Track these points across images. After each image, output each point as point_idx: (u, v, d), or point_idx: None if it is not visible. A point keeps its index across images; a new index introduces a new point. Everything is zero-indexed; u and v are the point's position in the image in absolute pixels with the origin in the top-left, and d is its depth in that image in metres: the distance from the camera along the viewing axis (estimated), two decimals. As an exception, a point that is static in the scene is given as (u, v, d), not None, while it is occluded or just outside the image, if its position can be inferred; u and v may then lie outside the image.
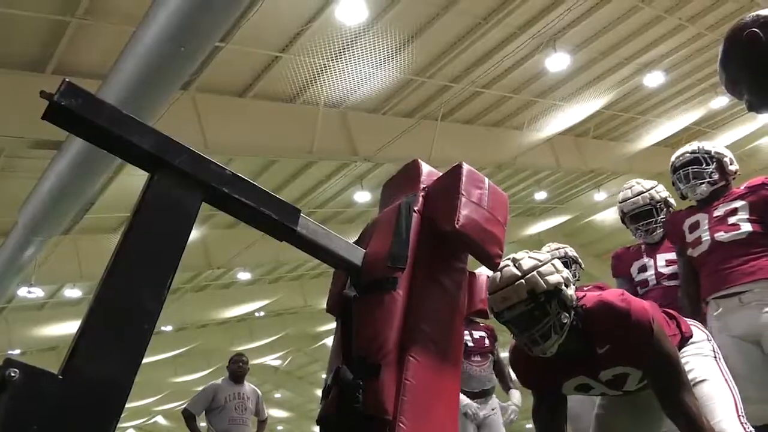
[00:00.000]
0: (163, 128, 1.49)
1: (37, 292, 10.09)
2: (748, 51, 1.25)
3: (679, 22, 8.33)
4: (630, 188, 3.20)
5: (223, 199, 0.91)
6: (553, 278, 1.75)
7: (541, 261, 1.78)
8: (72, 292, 11.68)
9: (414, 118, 8.80)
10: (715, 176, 2.71)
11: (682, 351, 1.95)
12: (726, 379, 1.92)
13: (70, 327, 12.31)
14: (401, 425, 0.97)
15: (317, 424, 1.10)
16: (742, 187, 2.67)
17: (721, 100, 10.79)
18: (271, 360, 19.15)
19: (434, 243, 1.18)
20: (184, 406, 5.52)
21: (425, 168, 1.33)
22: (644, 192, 3.10)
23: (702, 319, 2.71)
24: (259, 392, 5.68)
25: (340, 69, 7.48)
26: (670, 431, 2.70)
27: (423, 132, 8.54)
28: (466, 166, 1.27)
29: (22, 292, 9.68)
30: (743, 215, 2.56)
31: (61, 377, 0.62)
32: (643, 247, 3.14)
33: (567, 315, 1.75)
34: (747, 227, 2.54)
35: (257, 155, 8.43)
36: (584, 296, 1.85)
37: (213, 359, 16.51)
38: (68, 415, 0.64)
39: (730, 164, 2.76)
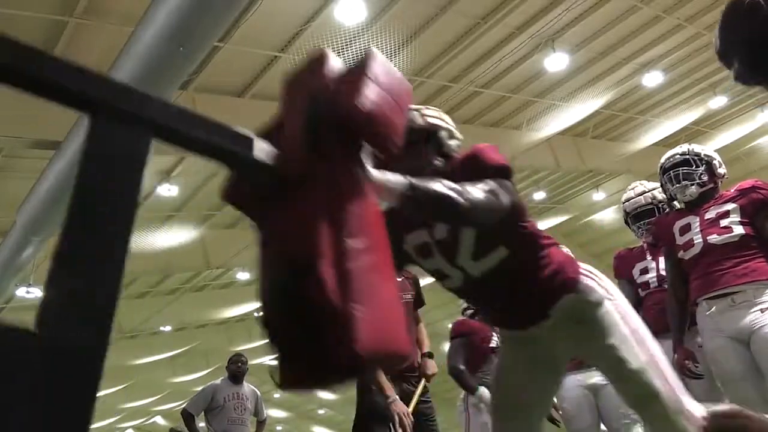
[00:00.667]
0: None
1: (36, 293, 10.08)
2: (748, 20, 1.25)
3: (678, 21, 8.34)
4: (633, 189, 3.27)
5: (172, 135, 0.89)
6: (433, 120, 1.69)
7: (434, 109, 1.74)
8: (71, 293, 11.68)
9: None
10: (705, 178, 2.73)
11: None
12: (638, 344, 1.66)
13: (68, 327, 12.31)
14: (353, 311, 0.95)
15: (264, 328, 1.03)
16: (733, 190, 2.68)
17: (720, 100, 10.80)
18: (270, 360, 19.13)
19: (343, 132, 1.15)
20: (183, 406, 5.52)
21: (333, 57, 1.29)
22: (646, 192, 3.17)
23: (690, 322, 2.72)
24: (259, 392, 5.68)
25: (339, 69, 7.48)
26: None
27: (422, 132, 8.55)
28: (376, 51, 1.24)
29: (21, 292, 9.67)
30: (735, 218, 2.57)
31: (34, 332, 0.62)
32: (645, 246, 3.15)
33: (441, 160, 1.66)
34: (739, 230, 2.55)
35: (256, 155, 8.42)
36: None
37: (212, 359, 16.51)
38: (45, 373, 0.64)
39: (719, 167, 2.79)
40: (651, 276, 3.06)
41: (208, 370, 16.62)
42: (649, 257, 3.11)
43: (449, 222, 1.60)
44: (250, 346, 15.35)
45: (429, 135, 1.67)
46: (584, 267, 1.75)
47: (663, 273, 3.00)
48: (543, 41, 7.99)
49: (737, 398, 2.44)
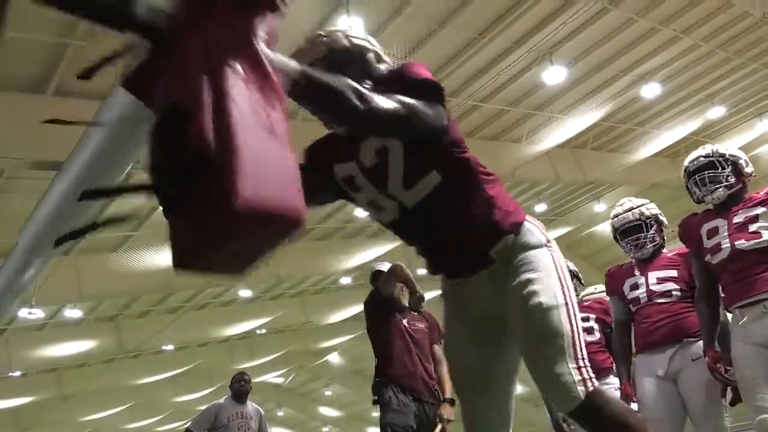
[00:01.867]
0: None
1: (38, 313, 10.07)
2: None
3: (674, 33, 8.39)
4: (621, 205, 3.27)
5: None
6: (359, 42, 1.62)
7: (347, 29, 1.67)
8: (72, 312, 11.65)
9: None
10: (732, 179, 2.68)
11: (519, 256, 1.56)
12: (563, 287, 1.55)
13: (70, 348, 12.27)
14: (230, 160, 0.87)
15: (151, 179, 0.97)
16: (762, 193, 2.63)
17: (719, 110, 10.84)
18: (273, 378, 19.04)
19: None
20: (186, 425, 5.48)
21: None
22: (634, 208, 3.16)
23: (719, 327, 2.68)
24: (262, 411, 5.64)
25: (339, 85, 7.53)
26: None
27: (422, 146, 8.57)
28: None
29: (23, 313, 9.66)
30: (764, 222, 2.54)
31: None
32: (633, 262, 3.14)
33: (368, 83, 1.51)
34: None
35: (257, 172, 8.45)
36: None
37: (215, 378, 16.41)
38: None
39: (746, 166, 2.74)
40: (641, 292, 3.03)
41: (211, 389, 16.52)
42: (637, 273, 3.08)
43: (343, 123, 1.51)
44: (252, 363, 15.27)
45: (354, 57, 1.58)
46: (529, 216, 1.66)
47: (653, 288, 2.99)
48: (541, 55, 8.04)
49: (755, 406, 2.42)
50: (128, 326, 12.95)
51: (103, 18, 0.99)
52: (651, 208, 3.16)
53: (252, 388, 5.58)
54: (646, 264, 3.07)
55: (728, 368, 2.56)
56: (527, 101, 9.24)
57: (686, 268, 2.97)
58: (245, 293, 13.17)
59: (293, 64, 1.29)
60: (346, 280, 13.65)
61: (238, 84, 0.98)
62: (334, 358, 18.93)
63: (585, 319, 3.62)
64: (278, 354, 16.12)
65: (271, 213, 0.92)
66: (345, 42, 1.58)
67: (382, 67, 1.62)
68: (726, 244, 2.60)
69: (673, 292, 2.94)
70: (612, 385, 3.35)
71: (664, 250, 3.14)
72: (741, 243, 2.55)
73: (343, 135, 1.60)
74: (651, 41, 8.53)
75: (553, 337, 1.46)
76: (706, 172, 2.71)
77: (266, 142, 0.98)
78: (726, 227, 2.63)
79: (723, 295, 2.66)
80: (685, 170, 2.82)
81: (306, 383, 21.46)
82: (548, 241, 1.60)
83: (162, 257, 10.30)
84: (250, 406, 5.49)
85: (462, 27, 7.27)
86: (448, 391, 3.46)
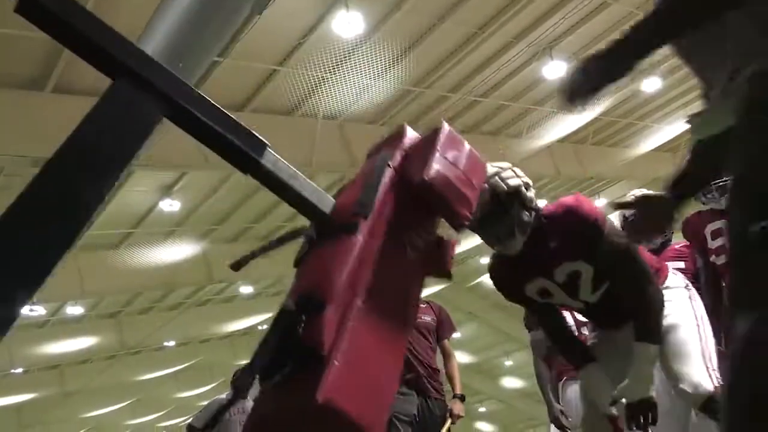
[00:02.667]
0: (163, 143, 1.50)
1: (39, 310, 10.08)
2: None
3: (675, 27, 8.37)
4: (634, 195, 3.24)
5: (185, 117, 0.91)
6: (514, 181, 1.91)
7: (502, 168, 1.95)
8: (74, 309, 11.67)
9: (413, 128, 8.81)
10: None
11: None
12: (699, 327, 1.99)
13: (72, 344, 12.29)
14: (335, 362, 0.95)
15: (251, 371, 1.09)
16: None
17: (719, 104, 10.81)
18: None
19: (405, 199, 1.15)
20: (188, 421, 5.49)
21: (411, 132, 1.33)
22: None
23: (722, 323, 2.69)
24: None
25: (338, 81, 7.52)
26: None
27: (422, 142, 8.56)
28: (446, 126, 1.27)
29: (24, 310, 9.64)
30: None
31: None
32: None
33: (528, 214, 1.92)
34: None
35: (257, 169, 8.44)
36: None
37: (216, 374, 16.44)
38: None
39: None
40: None
41: (213, 385, 16.55)
42: None
43: None
44: (254, 359, 15.28)
45: (514, 196, 1.90)
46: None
47: None
48: (541, 49, 8.02)
49: None
50: (130, 323, 12.96)
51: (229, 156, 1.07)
52: None
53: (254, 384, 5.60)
54: (655, 254, 3.08)
55: None
56: (527, 96, 9.22)
57: (692, 260, 2.98)
58: (246, 290, 13.18)
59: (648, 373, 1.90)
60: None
61: (376, 288, 1.04)
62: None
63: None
64: (279, 350, 16.12)
65: (344, 415, 0.99)
66: (504, 186, 1.90)
67: (531, 194, 1.97)
68: None
69: None
70: None
71: (672, 242, 3.15)
72: None
73: (523, 257, 1.97)
74: (651, 35, 8.51)
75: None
76: (712, 182, 2.66)
77: (375, 351, 1.04)
78: None
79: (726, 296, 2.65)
80: None
81: None
82: (687, 286, 2.13)
83: (163, 254, 10.31)
84: (251, 402, 5.52)
85: (462, 22, 7.25)
86: (459, 388, 3.46)
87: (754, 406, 0.76)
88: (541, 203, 2.08)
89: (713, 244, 2.69)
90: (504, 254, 2.00)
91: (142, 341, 13.41)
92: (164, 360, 14.87)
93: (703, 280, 2.79)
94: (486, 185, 1.88)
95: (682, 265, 2.98)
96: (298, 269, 1.15)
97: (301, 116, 8.07)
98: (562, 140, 10.24)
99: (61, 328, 12.29)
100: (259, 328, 15.09)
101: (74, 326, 12.35)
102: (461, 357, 3.37)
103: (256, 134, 1.02)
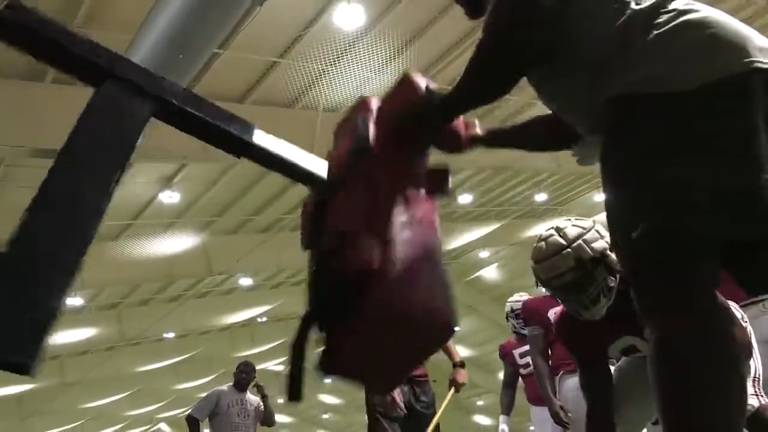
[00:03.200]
0: (162, 134, 1.49)
1: (39, 301, 10.08)
2: None
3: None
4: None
5: (175, 114, 0.92)
6: (599, 245, 1.79)
7: (585, 228, 1.83)
8: (74, 300, 11.69)
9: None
10: None
11: None
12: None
13: (72, 335, 12.32)
14: (389, 277, 0.96)
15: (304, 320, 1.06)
16: None
17: (720, 99, 10.79)
18: (274, 365, 19.13)
19: (389, 136, 1.20)
20: (187, 412, 5.52)
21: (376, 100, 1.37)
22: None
23: None
24: (261, 402, 5.69)
25: (339, 73, 7.50)
26: None
27: (422, 135, 8.55)
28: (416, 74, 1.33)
29: (24, 301, 9.68)
30: None
31: (4, 251, 0.66)
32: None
33: (613, 279, 1.79)
34: None
35: (257, 161, 8.44)
36: None
37: (215, 365, 16.50)
38: (11, 286, 0.68)
39: None
40: None
41: (212, 376, 16.61)
42: None
43: None
44: (253, 351, 15.35)
45: (600, 261, 1.77)
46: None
47: None
48: (542, 43, 8.00)
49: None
50: (129, 314, 12.99)
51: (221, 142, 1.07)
52: None
53: (256, 377, 5.63)
54: None
55: None
56: (528, 90, 9.15)
57: None
58: (246, 282, 13.20)
59: None
60: (346, 269, 13.66)
61: (402, 212, 1.07)
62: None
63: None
64: (278, 342, 16.19)
65: (427, 321, 1.02)
66: (589, 251, 1.77)
67: (613, 256, 1.79)
68: None
69: None
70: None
71: None
72: None
73: (608, 318, 1.84)
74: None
75: None
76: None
77: (422, 263, 1.06)
78: None
79: (723, 295, 2.67)
80: None
81: (306, 371, 21.54)
82: (743, 318, 1.96)
83: (163, 246, 10.32)
84: (250, 394, 5.54)
85: (462, 16, 7.19)
86: (457, 356, 3.44)
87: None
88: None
89: None
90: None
91: (142, 333, 13.44)
92: (164, 351, 14.91)
93: None
94: (569, 249, 1.78)
95: None
96: (321, 222, 1.16)
97: (302, 109, 8.05)
98: (562, 134, 10.21)
99: (60, 319, 12.30)
100: (259, 320, 15.13)
101: (74, 317, 12.38)
102: (460, 351, 3.37)
103: (241, 117, 1.03)
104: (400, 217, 1.05)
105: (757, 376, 1.82)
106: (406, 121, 1.25)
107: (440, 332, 1.10)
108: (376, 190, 1.07)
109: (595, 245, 1.78)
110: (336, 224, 1.08)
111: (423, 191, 1.18)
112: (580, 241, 1.78)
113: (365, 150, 1.12)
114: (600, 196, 13.46)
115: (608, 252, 1.78)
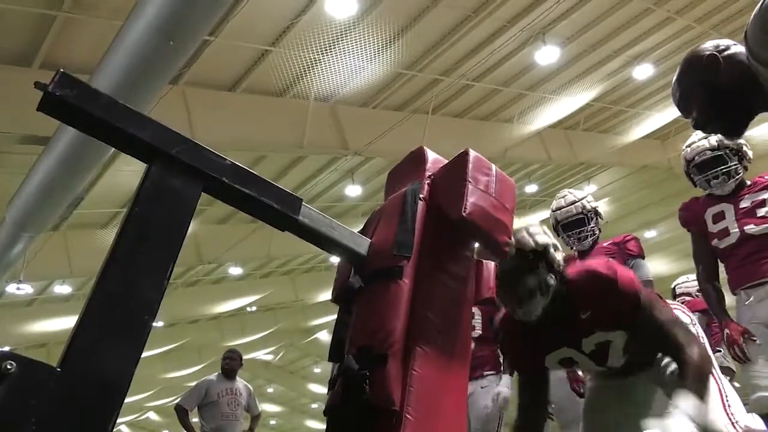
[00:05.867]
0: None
1: (27, 289, 10.03)
2: (706, 71, 1.37)
3: (668, 14, 8.36)
4: (563, 197, 3.32)
5: (222, 189, 0.90)
6: (542, 239, 1.79)
7: (531, 225, 1.84)
8: (62, 288, 11.62)
9: (404, 111, 8.79)
10: (740, 171, 2.70)
11: None
12: (714, 372, 1.88)
13: (60, 323, 12.26)
14: (408, 417, 0.95)
15: (325, 415, 1.06)
16: (767, 177, 2.66)
17: (710, 93, 10.85)
18: (264, 355, 19.14)
19: (440, 231, 1.15)
20: (176, 401, 5.52)
21: (431, 155, 1.31)
22: (577, 201, 3.22)
23: (732, 322, 2.70)
24: (251, 388, 5.69)
25: (330, 63, 7.46)
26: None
27: (413, 126, 8.54)
28: (472, 153, 1.25)
29: (11, 288, 9.62)
30: None
31: (59, 369, 0.61)
32: (576, 255, 3.19)
33: (553, 277, 1.78)
34: None
35: (247, 150, 8.40)
36: (570, 265, 1.89)
37: (204, 354, 16.48)
38: (66, 408, 0.63)
39: (749, 152, 2.74)
40: None
41: (201, 366, 16.60)
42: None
43: None
44: (242, 341, 15.34)
45: (541, 255, 1.77)
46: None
47: None
48: (534, 34, 7.99)
49: (751, 384, 2.50)
50: (118, 303, 12.93)
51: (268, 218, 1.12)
52: (591, 201, 3.23)
53: (242, 365, 5.62)
54: (584, 255, 3.13)
55: (754, 337, 2.54)
56: (519, 81, 9.20)
57: (621, 257, 3.03)
58: (236, 271, 13.17)
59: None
60: (335, 259, 13.64)
61: (435, 329, 1.04)
62: (323, 336, 19.03)
63: None
64: (268, 331, 16.19)
65: None
66: (531, 242, 1.76)
67: (559, 256, 1.83)
68: (735, 228, 2.62)
69: None
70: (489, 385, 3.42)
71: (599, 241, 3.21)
72: (750, 228, 2.58)
73: (546, 326, 1.83)
74: (644, 22, 8.50)
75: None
76: (719, 168, 2.68)
77: (444, 396, 1.03)
78: (733, 212, 2.65)
79: (729, 278, 2.68)
80: (690, 162, 2.79)
81: (296, 360, 21.59)
82: (692, 322, 2.08)
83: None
84: (240, 382, 5.54)
85: (455, 5, 7.20)
86: None
87: None
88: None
89: (714, 228, 2.68)
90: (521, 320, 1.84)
91: (131, 321, 13.39)
92: (152, 340, 14.63)
93: (703, 267, 2.79)
94: (512, 239, 1.75)
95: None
96: (351, 318, 1.14)
97: (293, 97, 8.01)
98: (553, 126, 10.24)
99: (48, 306, 12.25)
100: (248, 309, 15.11)
101: (62, 305, 12.31)
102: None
103: (290, 192, 1.02)
104: (436, 341, 1.02)
105: (727, 400, 1.80)
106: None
107: None
108: (409, 303, 1.04)
109: (538, 238, 1.78)
110: (363, 336, 1.06)
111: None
112: (524, 232, 1.78)
113: (408, 251, 1.09)
114: (590, 188, 13.57)
115: (551, 249, 1.79)
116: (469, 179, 1.19)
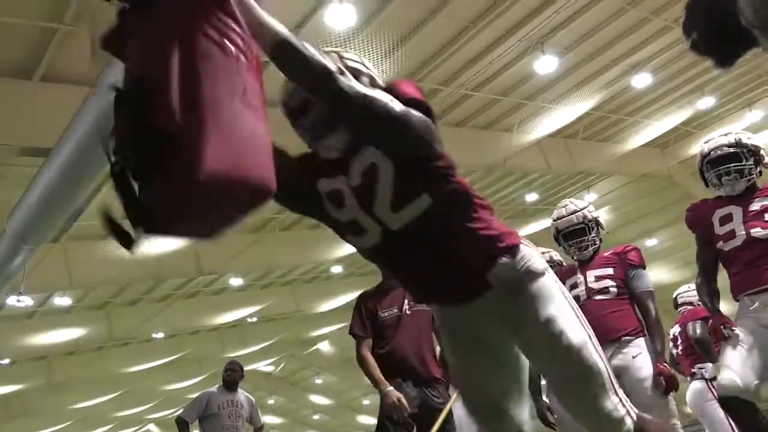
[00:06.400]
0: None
1: (27, 301, 10.00)
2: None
3: (665, 23, 8.40)
4: (564, 207, 3.31)
5: None
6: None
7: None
8: (62, 300, 11.59)
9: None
10: (753, 173, 2.70)
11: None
12: (579, 319, 1.57)
13: (60, 335, 12.22)
14: (198, 132, 0.88)
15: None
16: None
17: (708, 101, 10.89)
18: (264, 366, 19.07)
19: None
20: (177, 413, 5.49)
21: None
22: (578, 211, 3.21)
23: (719, 314, 2.69)
24: (253, 399, 5.66)
25: (330, 73, 7.48)
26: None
27: (413, 135, 8.55)
28: None
29: (12, 301, 9.59)
30: None
31: None
32: (576, 264, 3.20)
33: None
34: None
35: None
36: None
37: (205, 366, 16.42)
38: None
39: (765, 157, 2.74)
40: (580, 290, 3.07)
41: (201, 377, 16.53)
42: (578, 273, 3.12)
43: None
44: (243, 352, 15.29)
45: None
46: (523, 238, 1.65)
47: (591, 286, 3.04)
48: (533, 44, 8.02)
49: (723, 366, 2.50)
50: (118, 314, 12.90)
51: None
52: (592, 211, 3.24)
53: (244, 376, 5.59)
54: (585, 264, 3.14)
55: (733, 327, 2.56)
56: (519, 91, 9.24)
57: (621, 267, 3.03)
58: (236, 281, 13.15)
59: (280, 27, 1.31)
60: (336, 269, 13.65)
61: (210, 50, 0.97)
62: (324, 346, 18.98)
63: None
64: (269, 342, 16.14)
65: (236, 183, 0.93)
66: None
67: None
68: (741, 231, 2.60)
69: (610, 289, 2.99)
70: None
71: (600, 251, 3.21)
72: (757, 231, 2.56)
73: (332, 150, 1.54)
74: (642, 31, 8.54)
75: (591, 375, 1.50)
76: (731, 164, 2.68)
77: (236, 112, 0.99)
78: (741, 215, 2.63)
79: (732, 282, 2.67)
80: (705, 157, 2.79)
81: (297, 371, 21.51)
82: (546, 267, 1.60)
83: (152, 245, 10.25)
84: (242, 394, 5.51)
85: (453, 16, 7.24)
86: None
87: None
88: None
89: (721, 230, 2.67)
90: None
91: (131, 333, 13.36)
92: (153, 352, 14.82)
93: (702, 269, 2.79)
94: None
95: (610, 271, 3.04)
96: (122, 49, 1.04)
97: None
98: (553, 135, 10.26)
99: (49, 319, 12.21)
100: (249, 320, 15.07)
101: (62, 317, 12.28)
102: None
103: None
104: (210, 55, 0.95)
105: (616, 386, 1.55)
106: None
107: (254, 195, 1.02)
108: (189, 12, 0.95)
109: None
110: (139, 58, 0.97)
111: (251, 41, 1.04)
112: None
113: None
114: (590, 197, 13.58)
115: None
116: None
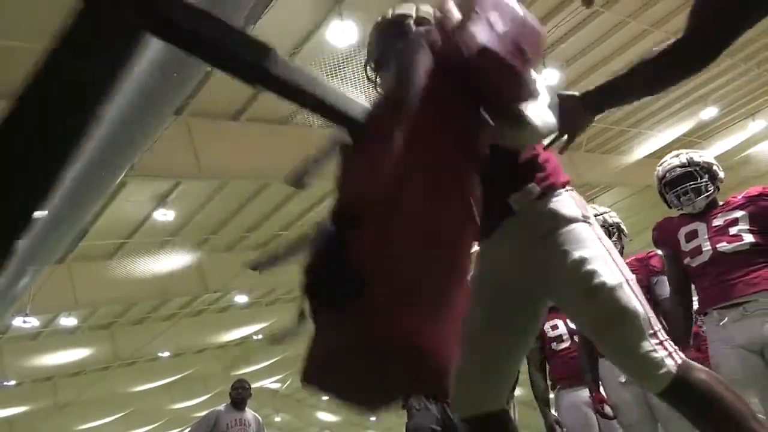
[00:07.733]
0: (156, 153, 1.50)
1: (33, 322, 10.01)
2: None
3: (666, 35, 8.43)
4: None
5: (173, 27, 0.76)
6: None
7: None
8: (67, 321, 11.59)
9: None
10: (711, 188, 2.72)
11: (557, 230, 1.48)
12: (617, 263, 1.49)
13: (65, 356, 12.20)
14: (382, 281, 0.78)
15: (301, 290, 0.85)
16: (740, 197, 2.67)
17: (711, 111, 10.89)
18: (270, 383, 18.97)
19: (442, 82, 0.93)
20: (183, 433, 5.45)
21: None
22: (598, 215, 3.19)
23: (692, 331, 2.70)
24: (260, 419, 5.63)
25: (333, 90, 7.53)
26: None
27: (416, 150, 8.57)
28: None
29: (17, 322, 9.60)
30: (744, 226, 2.56)
31: None
32: None
33: None
34: (749, 238, 2.53)
35: (251, 178, 8.43)
36: None
37: (211, 384, 16.34)
38: None
39: (719, 172, 2.78)
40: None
41: (207, 396, 16.45)
42: None
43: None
44: (249, 370, 15.23)
45: None
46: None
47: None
48: (534, 57, 8.06)
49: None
50: (123, 334, 12.88)
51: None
52: (613, 216, 3.29)
53: (252, 394, 5.57)
54: None
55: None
56: (521, 104, 9.25)
57: (644, 274, 3.01)
58: (242, 299, 13.13)
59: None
60: (341, 285, 13.60)
61: (420, 191, 0.86)
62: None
63: (554, 327, 3.64)
64: (275, 360, 16.07)
65: (416, 357, 0.79)
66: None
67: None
68: (707, 246, 2.61)
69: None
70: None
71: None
72: (723, 246, 2.57)
73: None
74: (643, 43, 8.57)
75: (626, 317, 1.41)
76: (687, 184, 2.73)
77: (432, 275, 0.85)
78: (705, 230, 2.65)
79: (700, 297, 2.67)
80: (662, 179, 2.83)
81: (303, 388, 21.37)
82: (586, 216, 1.52)
83: (157, 264, 10.26)
84: (249, 413, 5.48)
85: (455, 31, 7.28)
86: None
87: None
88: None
89: (687, 247, 2.68)
90: None
91: (136, 352, 13.32)
92: (158, 371, 14.78)
93: (674, 288, 2.79)
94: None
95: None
96: (336, 185, 0.93)
97: (297, 125, 8.07)
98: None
99: (54, 339, 12.20)
100: (254, 338, 15.02)
101: (67, 338, 12.27)
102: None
103: (259, 39, 0.85)
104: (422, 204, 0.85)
105: (658, 328, 1.45)
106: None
107: (428, 376, 0.84)
108: (398, 161, 0.85)
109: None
110: (344, 197, 0.89)
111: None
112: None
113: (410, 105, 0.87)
114: (593, 210, 13.50)
115: None
116: (477, 10, 0.97)
